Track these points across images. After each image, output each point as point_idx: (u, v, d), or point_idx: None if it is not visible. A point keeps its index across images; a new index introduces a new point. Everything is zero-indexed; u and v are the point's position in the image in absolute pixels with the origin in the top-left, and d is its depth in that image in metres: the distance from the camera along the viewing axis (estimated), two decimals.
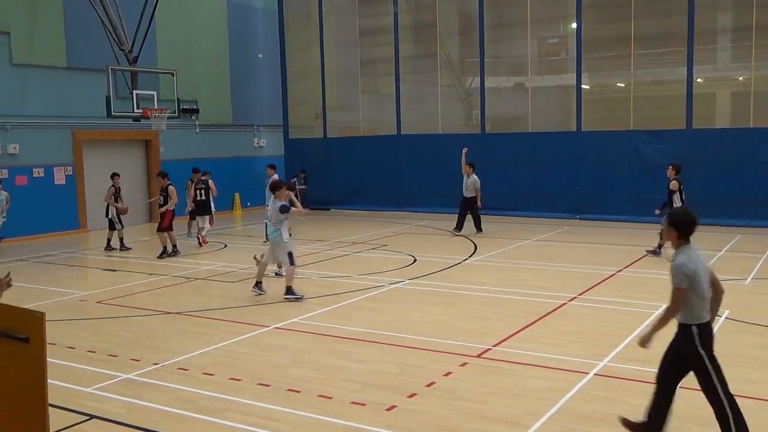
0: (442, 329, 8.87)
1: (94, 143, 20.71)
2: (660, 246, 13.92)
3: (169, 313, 10.12)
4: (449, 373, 7.14)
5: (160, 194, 15.55)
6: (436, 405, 6.31)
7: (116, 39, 18.90)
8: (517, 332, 8.65)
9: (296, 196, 22.90)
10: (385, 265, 13.45)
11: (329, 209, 24.17)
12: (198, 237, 16.93)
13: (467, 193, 17.67)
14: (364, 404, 6.35)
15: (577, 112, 20.36)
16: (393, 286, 11.61)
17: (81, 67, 19.81)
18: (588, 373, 7.02)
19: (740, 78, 20.72)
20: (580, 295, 10.64)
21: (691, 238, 5.22)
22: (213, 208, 17.59)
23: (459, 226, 17.59)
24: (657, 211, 14.04)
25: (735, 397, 5.16)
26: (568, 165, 20.24)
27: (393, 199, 23.09)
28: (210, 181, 17.54)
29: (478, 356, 7.71)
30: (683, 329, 5.19)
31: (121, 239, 16.49)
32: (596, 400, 6.34)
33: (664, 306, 5.30)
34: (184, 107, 20.53)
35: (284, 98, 25.86)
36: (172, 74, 19.53)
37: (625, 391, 6.56)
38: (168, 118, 19.21)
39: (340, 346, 8.27)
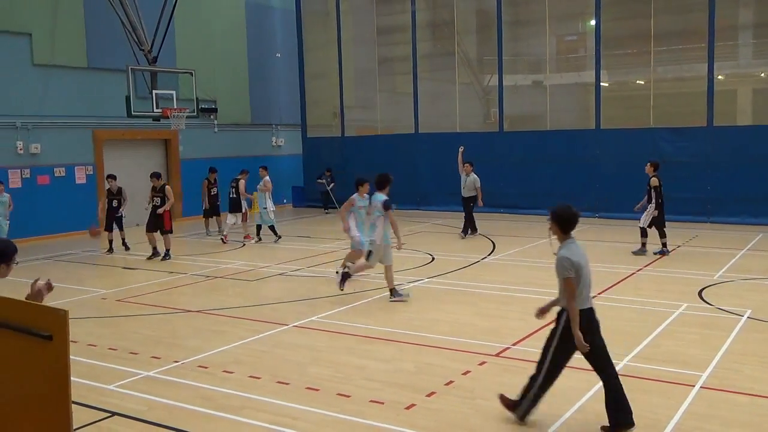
0: (461, 328, 8.86)
1: (114, 143, 20.90)
2: (644, 245, 14.05)
3: (188, 311, 10.19)
4: (468, 372, 7.13)
5: (155, 196, 15.01)
6: (455, 404, 6.30)
7: (136, 39, 19.05)
8: (536, 331, 8.60)
9: (324, 195, 23.03)
10: (404, 264, 13.43)
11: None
12: (222, 235, 17.24)
13: (466, 193, 17.15)
14: (383, 403, 6.36)
15: (595, 110, 20.24)
16: (411, 284, 11.61)
17: (101, 68, 20.00)
18: None
19: (762, 74, 20.50)
20: (599, 294, 10.56)
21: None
22: (244, 207, 17.82)
23: (471, 229, 17.17)
24: (636, 208, 14.30)
25: (619, 377, 5.68)
26: (587, 163, 20.13)
27: (411, 197, 23.07)
28: (242, 181, 17.67)
29: (497, 355, 7.70)
30: (566, 314, 5.58)
31: (123, 240, 16.17)
32: None
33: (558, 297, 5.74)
34: (203, 107, 20.65)
35: (302, 97, 25.95)
36: (191, 74, 19.65)
37: (645, 390, 6.52)
38: (187, 117, 19.33)
39: (359, 344, 8.29)
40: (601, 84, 20.28)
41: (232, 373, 7.34)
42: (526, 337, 8.36)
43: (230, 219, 17.37)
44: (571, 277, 5.52)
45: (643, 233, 13.94)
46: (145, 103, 18.69)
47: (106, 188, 16.23)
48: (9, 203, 15.81)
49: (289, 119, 26.64)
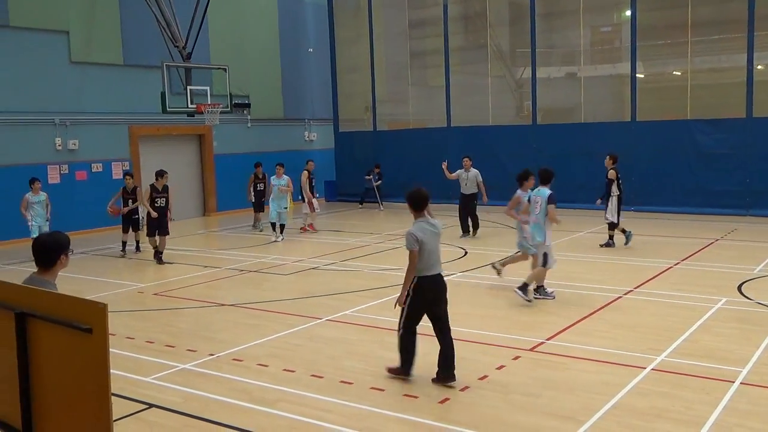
0: (494, 322, 8.82)
1: (149, 138, 21.19)
2: (611, 237, 14.32)
3: (223, 304, 10.30)
4: (502, 367, 7.09)
5: (159, 196, 14.29)
6: (489, 398, 6.27)
7: (170, 36, 19.26)
8: (571, 326, 8.54)
9: (370, 192, 23.01)
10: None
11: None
12: (306, 225, 17.93)
13: (467, 190, 16.10)
14: (416, 397, 6.36)
15: (631, 102, 19.93)
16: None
17: (137, 64, 20.27)
18: (644, 368, 6.89)
19: None
20: (635, 288, 10.44)
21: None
22: (307, 197, 18.06)
23: (467, 229, 16.04)
24: (597, 201, 14.69)
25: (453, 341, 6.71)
26: (622, 156, 19.57)
27: (443, 191, 22.95)
28: (304, 172, 18.39)
29: (531, 350, 7.64)
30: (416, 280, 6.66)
31: (138, 241, 15.92)
32: (653, 395, 6.21)
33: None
34: (236, 102, 20.81)
35: (334, 91, 25.99)
36: (225, 69, 19.80)
37: (683, 386, 6.42)
38: (221, 112, 19.49)
39: (392, 338, 8.22)
40: (637, 75, 19.95)
41: (266, 366, 7.40)
42: (561, 331, 8.29)
43: (303, 209, 18.24)
44: (414, 250, 6.57)
45: (612, 226, 14.27)
46: (180, 99, 18.90)
47: (122, 186, 15.63)
48: (47, 203, 15.05)
49: (321, 114, 26.73)
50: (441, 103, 23.39)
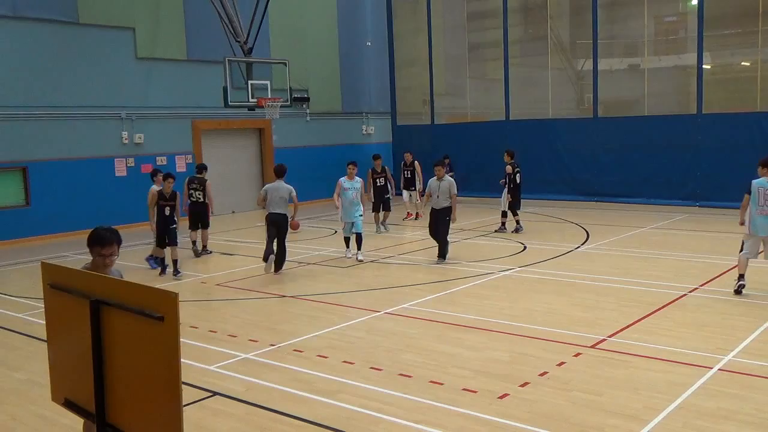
0: (554, 318, 8.71)
1: (211, 132, 21.61)
2: (503, 224, 15.93)
3: (284, 296, 10.45)
4: (562, 363, 7.00)
5: (197, 189, 14.17)
6: (549, 395, 6.20)
7: (232, 31, 19.58)
8: (634, 323, 8.37)
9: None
10: (495, 252, 13.32)
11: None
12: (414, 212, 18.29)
13: (438, 203, 12.48)
14: (475, 391, 6.34)
15: (697, 94, 19.34)
16: (503, 273, 11.49)
17: (200, 59, 20.70)
18: (711, 368, 6.71)
19: None
20: (701, 286, 10.16)
21: None
22: (419, 186, 18.40)
23: (440, 254, 12.66)
24: (501, 181, 16.12)
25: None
26: (687, 149, 19.30)
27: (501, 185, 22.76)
28: (417, 162, 18.66)
29: (593, 347, 7.52)
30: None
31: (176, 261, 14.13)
32: (721, 396, 6.04)
33: None
34: (296, 96, 21.05)
35: (392, 85, 26.01)
36: (285, 64, 20.04)
37: (753, 387, 6.22)
38: (280, 106, 19.72)
39: (451, 332, 8.28)
40: (703, 66, 19.35)
41: (326, 357, 7.48)
42: (624, 328, 8.13)
43: (405, 195, 18.59)
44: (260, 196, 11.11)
45: (504, 214, 15.96)
46: (241, 93, 19.21)
47: (157, 189, 12.74)
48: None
49: (379, 107, 26.80)
50: (499, 96, 23.16)
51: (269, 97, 19.36)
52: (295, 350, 7.79)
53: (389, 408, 6.04)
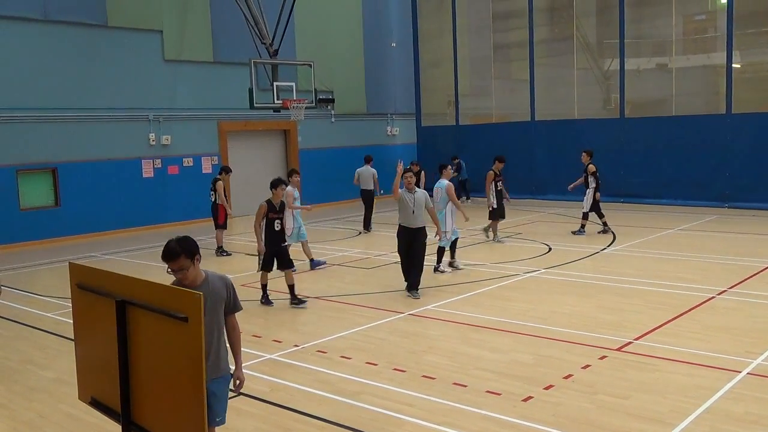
0: (579, 320, 8.63)
1: (237, 134, 21.78)
2: (583, 227, 15.43)
3: (307, 297, 10.48)
4: (588, 366, 6.94)
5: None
6: (574, 398, 6.15)
7: (258, 33, 19.72)
8: (660, 326, 8.27)
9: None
10: (520, 254, 13.25)
11: (460, 197, 24.08)
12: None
13: (413, 221, 10.25)
14: (499, 394, 6.31)
15: (727, 94, 19.07)
16: (528, 275, 11.43)
17: (226, 61, 20.88)
18: (740, 372, 6.60)
19: None
20: (730, 288, 10.01)
21: None
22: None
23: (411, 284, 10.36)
24: (570, 187, 16.21)
25: None
26: (717, 150, 19.03)
27: (526, 186, 22.66)
28: (422, 172, 18.36)
29: (618, 349, 7.45)
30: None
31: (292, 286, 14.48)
32: (749, 400, 5.95)
33: None
34: (321, 97, 21.15)
35: (417, 86, 26.00)
36: (310, 65, 20.12)
37: None
38: (306, 108, 19.82)
39: (474, 334, 8.25)
40: (733, 66, 19.06)
41: (349, 358, 7.50)
42: (650, 331, 8.04)
43: None
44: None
45: (585, 216, 15.48)
46: (266, 95, 19.33)
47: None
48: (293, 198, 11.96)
49: (403, 108, 26.81)
50: (525, 97, 23.04)
51: (294, 98, 19.46)
52: (318, 351, 7.82)
53: (412, 409, 6.04)
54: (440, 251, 11.86)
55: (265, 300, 10.20)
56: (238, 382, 4.64)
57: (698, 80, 21.48)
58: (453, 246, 12.08)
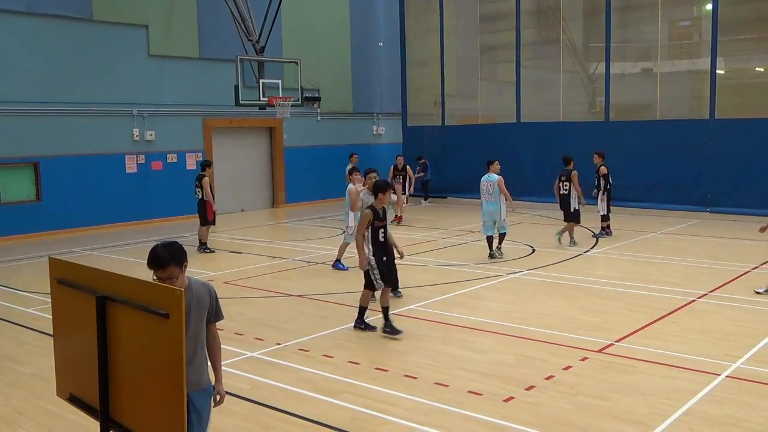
0: (561, 322, 8.67)
1: (222, 130, 21.67)
2: (604, 228, 15.38)
3: (291, 295, 10.46)
4: (569, 367, 6.97)
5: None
6: (555, 399, 6.18)
7: (245, 30, 19.63)
8: (641, 328, 8.33)
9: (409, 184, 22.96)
10: (503, 255, 13.28)
11: (446, 197, 24.11)
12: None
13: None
14: (481, 394, 6.32)
15: (710, 99, 19.21)
16: (511, 276, 11.46)
17: (212, 58, 20.77)
18: (719, 375, 6.66)
19: None
20: (710, 292, 10.10)
21: None
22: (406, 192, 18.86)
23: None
24: (594, 193, 15.52)
25: None
26: (699, 154, 19.17)
27: (511, 188, 22.50)
28: (408, 167, 19.09)
29: (600, 351, 7.48)
30: None
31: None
32: (728, 403, 6.00)
33: None
34: (307, 95, 21.09)
35: (403, 86, 25.98)
36: (297, 63, 20.07)
37: (761, 395, 6.17)
38: (291, 106, 19.76)
39: (457, 334, 8.26)
40: (717, 71, 19.23)
41: (332, 357, 7.48)
42: (631, 333, 8.09)
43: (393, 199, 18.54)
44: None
45: (604, 218, 15.36)
46: (252, 92, 19.25)
47: (366, 199, 10.07)
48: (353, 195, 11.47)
49: (389, 108, 26.80)
50: (511, 99, 23.10)
51: (280, 96, 19.41)
52: (300, 349, 7.79)
53: (393, 409, 6.03)
54: (491, 239, 13.05)
55: (365, 325, 8.55)
56: (218, 397, 4.47)
57: (682, 85, 21.63)
58: (501, 237, 13.25)
